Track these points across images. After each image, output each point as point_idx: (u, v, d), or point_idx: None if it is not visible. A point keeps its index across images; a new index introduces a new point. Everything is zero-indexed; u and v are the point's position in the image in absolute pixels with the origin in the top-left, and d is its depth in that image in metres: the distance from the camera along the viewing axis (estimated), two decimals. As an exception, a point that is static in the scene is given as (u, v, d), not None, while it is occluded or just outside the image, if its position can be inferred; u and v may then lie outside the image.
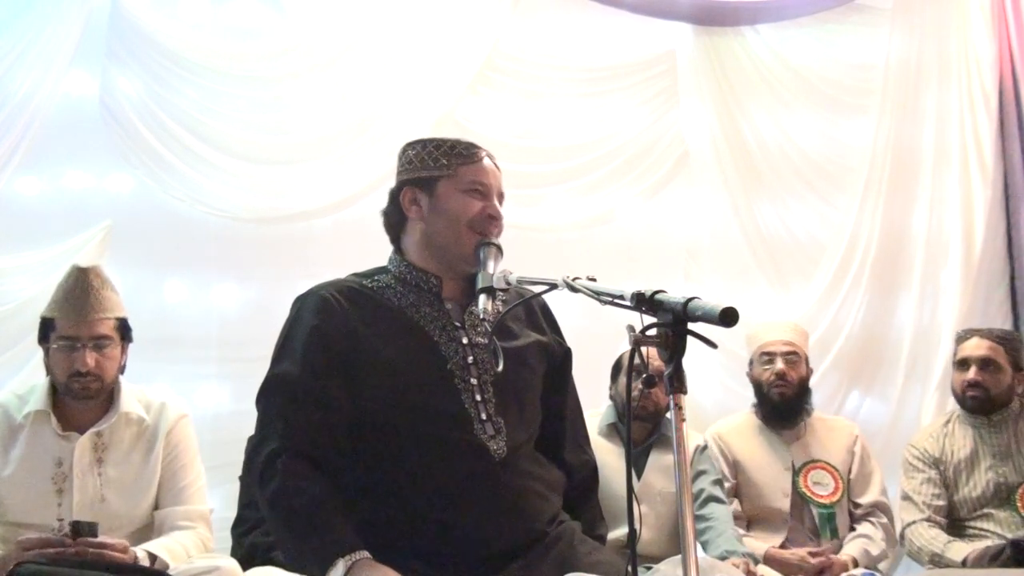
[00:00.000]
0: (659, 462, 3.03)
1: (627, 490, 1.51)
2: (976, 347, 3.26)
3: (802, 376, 3.29)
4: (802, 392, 3.28)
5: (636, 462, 3.02)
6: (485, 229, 1.95)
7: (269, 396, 1.88)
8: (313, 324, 1.87)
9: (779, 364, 3.25)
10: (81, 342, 2.44)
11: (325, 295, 1.92)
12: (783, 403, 3.25)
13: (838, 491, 3.20)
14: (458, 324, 1.96)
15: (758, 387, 3.31)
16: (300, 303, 1.96)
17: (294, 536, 1.77)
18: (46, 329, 2.50)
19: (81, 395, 2.46)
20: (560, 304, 2.16)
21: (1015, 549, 2.83)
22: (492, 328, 1.94)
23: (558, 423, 2.10)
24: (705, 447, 3.17)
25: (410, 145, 2.08)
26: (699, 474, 3.09)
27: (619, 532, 2.91)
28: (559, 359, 2.10)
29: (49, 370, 2.51)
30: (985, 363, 3.23)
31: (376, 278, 2.01)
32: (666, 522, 2.96)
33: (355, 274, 2.05)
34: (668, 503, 2.96)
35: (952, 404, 3.95)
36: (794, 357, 3.29)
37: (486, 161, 2.02)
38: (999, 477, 3.17)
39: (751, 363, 3.38)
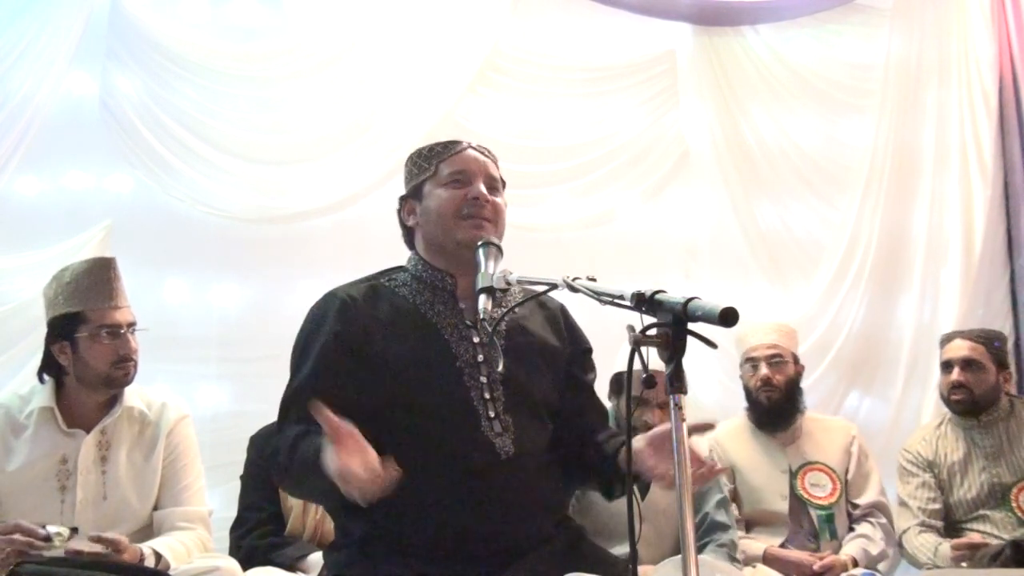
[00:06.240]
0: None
1: (627, 490, 1.51)
2: (958, 348, 3.26)
3: (790, 377, 3.25)
4: (792, 393, 3.25)
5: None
6: (473, 213, 1.95)
7: (291, 408, 1.89)
8: (335, 330, 1.89)
9: (763, 369, 3.23)
10: (122, 328, 2.49)
11: (343, 297, 1.94)
12: (772, 407, 3.22)
13: (836, 492, 3.19)
14: (470, 323, 1.96)
15: (747, 392, 3.30)
16: (319, 307, 1.97)
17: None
18: (70, 324, 2.47)
19: (122, 382, 2.50)
20: (559, 304, 2.17)
21: (1015, 549, 2.82)
22: (492, 328, 1.94)
23: (585, 418, 2.05)
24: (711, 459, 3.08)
25: (407, 158, 2.09)
26: (704, 493, 2.96)
27: (620, 551, 2.86)
28: (571, 360, 2.08)
29: (64, 369, 2.49)
30: (967, 363, 3.22)
31: (393, 276, 2.04)
32: (667, 542, 2.85)
33: (373, 274, 2.07)
34: (671, 521, 2.88)
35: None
36: (778, 359, 3.25)
37: (467, 151, 2.02)
38: (993, 478, 3.17)
39: (741, 367, 3.37)
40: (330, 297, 1.97)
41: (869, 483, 3.26)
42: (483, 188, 1.98)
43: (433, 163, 2.01)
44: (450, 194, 1.97)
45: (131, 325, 2.52)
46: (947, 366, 3.27)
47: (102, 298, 2.48)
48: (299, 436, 1.79)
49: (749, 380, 3.28)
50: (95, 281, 2.50)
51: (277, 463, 1.84)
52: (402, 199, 2.08)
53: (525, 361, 1.96)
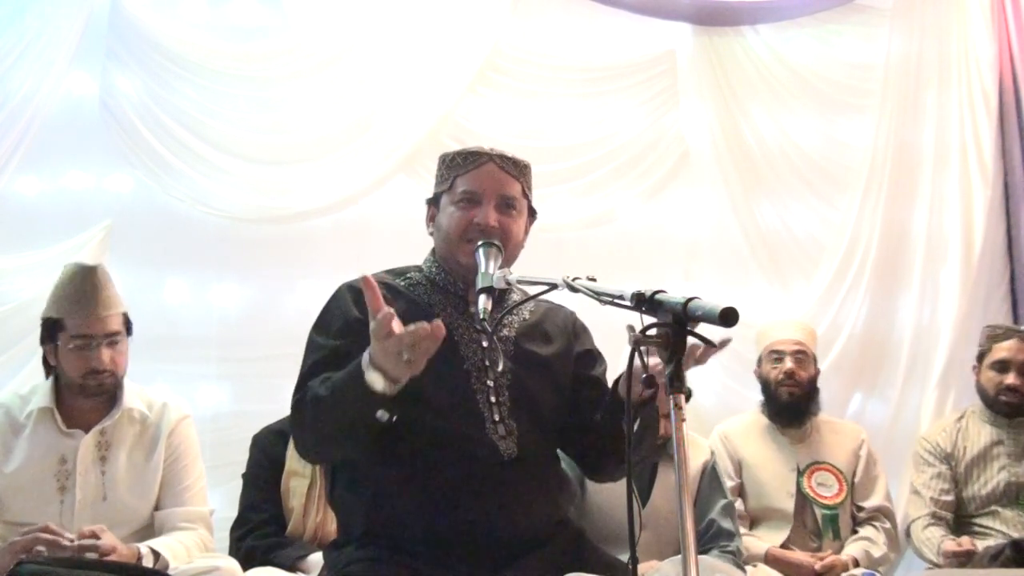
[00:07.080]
0: (666, 484, 2.85)
1: (627, 486, 1.51)
2: (1019, 350, 3.25)
3: (811, 375, 3.31)
4: (811, 392, 3.29)
5: (642, 486, 2.90)
6: (479, 239, 1.92)
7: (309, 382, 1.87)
8: (355, 315, 1.89)
9: (788, 363, 3.27)
10: (96, 340, 2.44)
11: (360, 288, 1.92)
12: (791, 402, 3.25)
13: (842, 493, 3.20)
14: (479, 328, 1.96)
15: (766, 385, 3.31)
16: (338, 295, 1.97)
17: (326, 400, 1.75)
18: (52, 329, 2.48)
19: (96, 392, 2.47)
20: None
21: (1015, 549, 2.82)
22: (492, 328, 1.94)
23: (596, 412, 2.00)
24: (714, 464, 2.99)
25: (438, 158, 2.09)
26: (707, 499, 2.92)
27: (620, 556, 2.84)
28: (575, 361, 2.07)
29: (55, 369, 2.50)
30: None
31: (409, 276, 2.05)
32: (669, 548, 2.78)
33: (388, 271, 2.06)
34: (673, 528, 2.84)
35: (952, 402, 3.97)
36: (802, 356, 3.30)
37: (486, 166, 2.00)
38: (1011, 476, 3.18)
39: (759, 361, 3.38)
40: (349, 286, 1.97)
41: (876, 487, 3.28)
42: (492, 212, 1.96)
43: (451, 176, 2.01)
44: (459, 215, 1.97)
45: (110, 335, 2.46)
46: (1002, 366, 3.26)
47: (77, 308, 2.45)
48: (328, 377, 1.78)
49: (771, 372, 3.29)
50: (74, 290, 2.47)
51: (311, 398, 1.78)
52: (427, 203, 2.08)
53: (532, 368, 1.97)
